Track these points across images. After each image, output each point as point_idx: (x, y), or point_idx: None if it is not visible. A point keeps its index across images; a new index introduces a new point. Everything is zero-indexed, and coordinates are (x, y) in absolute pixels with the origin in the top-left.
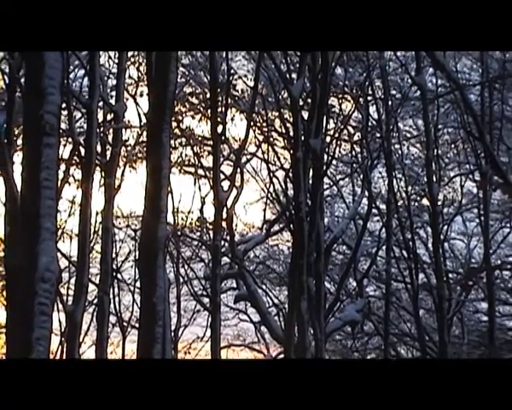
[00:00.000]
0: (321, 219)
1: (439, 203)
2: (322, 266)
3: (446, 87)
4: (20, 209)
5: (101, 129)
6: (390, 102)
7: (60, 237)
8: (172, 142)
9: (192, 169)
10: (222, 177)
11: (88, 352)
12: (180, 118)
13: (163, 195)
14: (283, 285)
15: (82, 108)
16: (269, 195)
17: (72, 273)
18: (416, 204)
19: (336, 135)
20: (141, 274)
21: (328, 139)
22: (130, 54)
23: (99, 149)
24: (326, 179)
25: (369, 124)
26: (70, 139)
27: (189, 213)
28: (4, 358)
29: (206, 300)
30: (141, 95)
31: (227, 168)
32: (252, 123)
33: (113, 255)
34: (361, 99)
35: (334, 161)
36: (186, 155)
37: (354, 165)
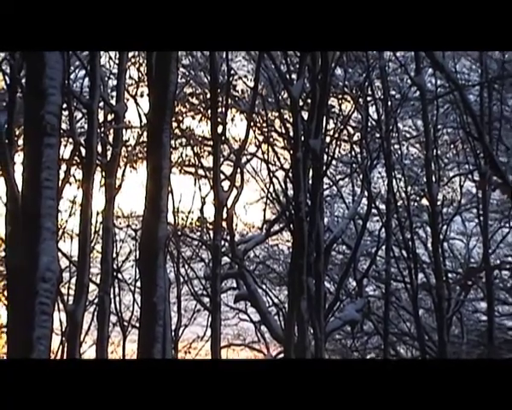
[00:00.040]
0: (321, 219)
1: (439, 203)
2: (322, 266)
3: (445, 87)
4: (21, 209)
5: (102, 129)
6: (389, 103)
7: (60, 236)
8: (173, 142)
9: (192, 169)
10: (222, 177)
11: (89, 351)
12: (180, 118)
13: (163, 195)
14: (283, 285)
15: (83, 109)
16: (269, 195)
17: (72, 273)
18: (416, 204)
19: (336, 135)
20: (141, 274)
21: (327, 139)
22: (130, 54)
23: (100, 149)
24: (326, 179)
25: (369, 124)
26: (71, 139)
27: (189, 213)
28: (5, 357)
29: (206, 299)
30: (141, 95)
31: (227, 168)
32: (252, 123)
33: (114, 255)
34: (361, 99)
35: (333, 162)
36: (186, 156)
37: (354, 165)
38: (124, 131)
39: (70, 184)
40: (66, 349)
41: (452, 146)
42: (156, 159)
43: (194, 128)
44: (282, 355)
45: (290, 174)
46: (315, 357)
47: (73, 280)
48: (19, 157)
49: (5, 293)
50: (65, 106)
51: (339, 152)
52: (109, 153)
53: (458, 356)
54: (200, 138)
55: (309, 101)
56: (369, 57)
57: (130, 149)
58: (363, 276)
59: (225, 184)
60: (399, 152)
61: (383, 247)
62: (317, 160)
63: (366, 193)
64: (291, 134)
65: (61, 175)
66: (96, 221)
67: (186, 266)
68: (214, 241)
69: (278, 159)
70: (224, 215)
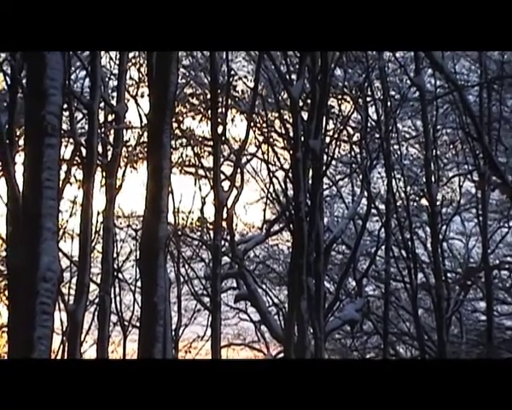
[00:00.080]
0: (320, 219)
1: (438, 203)
2: (322, 266)
3: (445, 88)
4: (22, 209)
5: (103, 129)
6: (389, 103)
7: (61, 236)
8: (173, 142)
9: (192, 169)
10: (222, 177)
11: (89, 351)
12: (181, 119)
13: (164, 195)
14: (283, 285)
15: (83, 109)
16: (269, 195)
17: (73, 273)
18: (415, 204)
19: (336, 135)
20: (142, 274)
21: (327, 140)
22: (131, 55)
23: (100, 149)
24: (325, 180)
25: (369, 124)
26: (71, 140)
27: (189, 213)
28: (6, 357)
29: (206, 299)
30: (142, 96)
31: (227, 168)
32: (252, 124)
33: (114, 255)
34: (360, 100)
35: (333, 162)
36: (187, 156)
37: (353, 165)
38: (124, 131)
39: (71, 184)
40: (66, 349)
41: (452, 146)
42: (156, 159)
43: (194, 128)
44: (281, 355)
45: (290, 174)
46: (315, 356)
47: (74, 280)
48: (20, 157)
49: (6, 293)
50: (65, 106)
51: (338, 152)
52: (110, 153)
53: (457, 356)
54: (200, 139)
55: (309, 101)
56: (369, 58)
57: (130, 149)
58: (363, 276)
59: (225, 185)
60: (399, 152)
61: (383, 247)
62: (316, 160)
63: (366, 193)
64: (291, 134)
65: (62, 175)
66: (97, 221)
67: (186, 266)
68: (214, 241)
69: (278, 159)
70: (224, 215)
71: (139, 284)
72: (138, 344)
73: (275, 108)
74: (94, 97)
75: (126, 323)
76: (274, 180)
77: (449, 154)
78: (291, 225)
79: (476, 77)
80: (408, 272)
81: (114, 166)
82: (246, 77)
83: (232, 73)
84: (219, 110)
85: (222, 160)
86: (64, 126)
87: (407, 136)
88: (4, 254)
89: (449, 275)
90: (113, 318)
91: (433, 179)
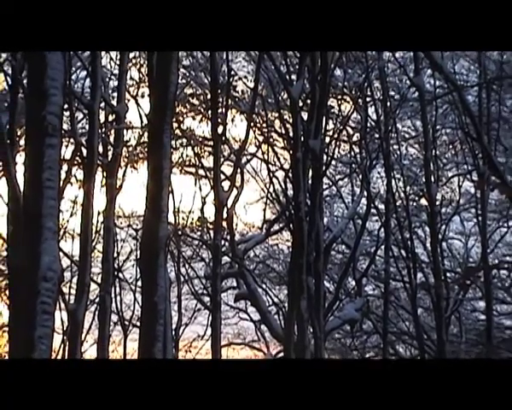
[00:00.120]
0: (320, 218)
1: (438, 203)
2: (322, 266)
3: (444, 88)
4: (23, 209)
5: (103, 130)
6: (389, 103)
7: (62, 236)
8: (173, 142)
9: (193, 169)
10: (222, 177)
11: (90, 350)
12: (181, 119)
13: (164, 195)
14: (283, 284)
15: (84, 109)
16: (269, 195)
17: (74, 273)
18: (415, 204)
19: (335, 136)
20: (142, 273)
21: (327, 140)
22: (131, 55)
23: (101, 149)
24: (325, 179)
25: (368, 125)
26: (72, 140)
27: (189, 212)
28: (7, 356)
29: (206, 299)
30: (142, 96)
31: (227, 168)
32: (252, 124)
33: (115, 255)
34: (360, 100)
35: (333, 162)
36: (187, 156)
37: (353, 165)
38: (125, 131)
39: (71, 184)
40: (67, 348)
41: (451, 146)
42: (157, 159)
43: (194, 128)
44: (281, 354)
45: (290, 174)
46: (314, 356)
47: (75, 280)
48: (20, 157)
49: (7, 292)
50: (66, 106)
51: (338, 152)
52: (110, 153)
53: (457, 355)
54: (200, 139)
55: (308, 101)
56: (369, 58)
57: (130, 149)
58: (363, 275)
59: (225, 184)
60: (398, 152)
61: (382, 246)
62: (316, 160)
63: (365, 193)
64: (291, 134)
65: (63, 175)
66: (97, 221)
67: (186, 266)
68: (214, 240)
69: (278, 159)
70: (225, 215)
71: (139, 283)
72: (139, 344)
73: (275, 108)
74: (94, 97)
75: (127, 322)
76: (274, 180)
77: (448, 154)
78: (291, 225)
79: (475, 77)
80: (407, 272)
81: (115, 166)
82: (246, 77)
83: (232, 73)
84: (219, 110)
85: (222, 160)
86: (65, 126)
87: (407, 136)
88: (5, 253)
89: (448, 275)
90: (114, 317)
91: (432, 179)
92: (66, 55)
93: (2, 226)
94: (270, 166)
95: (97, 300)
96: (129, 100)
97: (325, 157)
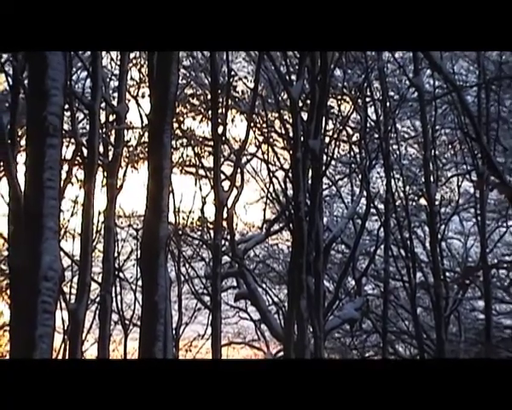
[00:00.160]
0: (320, 218)
1: (437, 203)
2: (322, 265)
3: (443, 89)
4: (24, 209)
5: (104, 130)
6: (388, 104)
7: (62, 236)
8: (173, 142)
9: (193, 169)
10: (222, 177)
11: (90, 350)
12: (181, 119)
13: (164, 195)
14: (283, 284)
15: (84, 110)
16: (269, 195)
17: (74, 272)
18: (414, 204)
19: (335, 136)
20: (142, 273)
21: (327, 140)
22: (132, 56)
23: (101, 149)
24: (325, 179)
25: (368, 125)
26: (73, 140)
27: (190, 212)
28: (8, 355)
29: (206, 298)
30: (142, 96)
31: (227, 168)
32: (252, 124)
33: (115, 254)
34: (359, 100)
35: (332, 162)
36: (187, 156)
37: (353, 165)
38: (125, 131)
39: (72, 184)
40: (68, 348)
41: (450, 146)
42: (157, 159)
43: (194, 129)
44: (281, 353)
45: (290, 174)
46: (314, 355)
47: (75, 279)
48: (21, 157)
49: (8, 292)
50: (67, 107)
51: (338, 152)
52: (111, 153)
53: (456, 354)
54: (200, 139)
55: (308, 102)
56: (368, 58)
57: (131, 149)
58: (362, 275)
59: (226, 184)
60: (398, 152)
61: (382, 246)
62: (316, 160)
63: (365, 193)
64: (291, 134)
65: (63, 175)
66: (98, 221)
67: (187, 265)
68: (215, 240)
69: (278, 159)
70: (225, 215)
71: (140, 283)
72: (139, 343)
73: (275, 108)
74: (95, 98)
75: (127, 322)
76: (274, 180)
77: (447, 154)
78: (291, 225)
79: (475, 77)
80: (407, 271)
81: (115, 166)
82: (246, 77)
83: (232, 73)
84: (219, 110)
85: (222, 160)
86: (65, 127)
87: (406, 136)
88: (6, 253)
89: (447, 274)
90: (114, 317)
91: (431, 179)
92: (67, 55)
93: (3, 226)
94: (270, 166)
95: (98, 299)
96: (129, 100)
97: (325, 157)
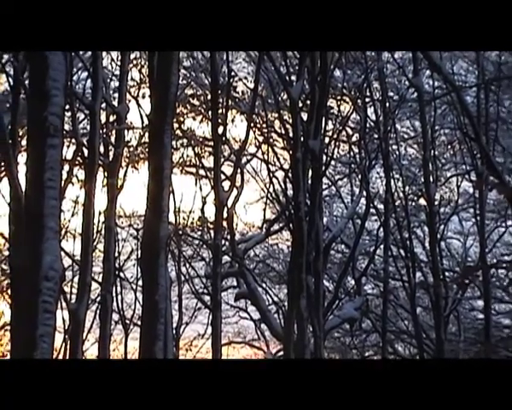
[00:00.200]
0: (320, 218)
1: (436, 203)
2: (321, 265)
3: (443, 89)
4: (25, 209)
5: (104, 130)
6: (388, 104)
7: (63, 236)
8: (174, 143)
9: (193, 169)
10: (222, 177)
11: (91, 349)
12: (181, 119)
13: (165, 195)
14: (283, 283)
15: (85, 110)
16: (269, 195)
17: (75, 272)
18: (413, 204)
19: (335, 136)
20: (143, 273)
21: (326, 140)
22: (132, 56)
23: (102, 149)
24: (325, 180)
25: (367, 125)
26: (73, 140)
27: (190, 212)
28: (9, 355)
29: (207, 298)
30: (143, 96)
31: (227, 169)
32: (252, 124)
33: (116, 254)
34: (359, 101)
35: (332, 162)
36: (187, 156)
37: (352, 165)
38: (126, 131)
39: (73, 184)
40: (68, 347)
41: (449, 147)
42: (158, 159)
43: (195, 129)
44: (281, 353)
45: (290, 174)
46: (314, 355)
47: (76, 279)
48: (22, 158)
49: (9, 292)
50: (67, 107)
51: (338, 152)
52: (111, 153)
53: (455, 354)
54: (200, 139)
55: (308, 102)
56: (368, 59)
57: (131, 149)
58: (362, 274)
59: (226, 184)
60: (397, 153)
61: (381, 246)
62: (316, 160)
63: (364, 193)
64: (290, 135)
65: (64, 175)
66: (99, 221)
67: (187, 265)
68: (215, 240)
69: (278, 159)
70: (225, 215)
71: (140, 282)
72: (140, 342)
73: (275, 108)
74: (96, 98)
75: (128, 321)
76: (274, 180)
77: (447, 154)
78: (291, 225)
79: (474, 78)
80: (406, 271)
81: (116, 166)
82: (246, 78)
83: (232, 74)
84: (220, 111)
85: (222, 160)
86: (66, 127)
87: (405, 136)
88: (7, 253)
89: (447, 274)
90: (115, 316)
91: (431, 179)
92: (68, 56)
93: (4, 226)
94: (269, 166)
95: (98, 299)
96: (130, 100)
97: (325, 157)
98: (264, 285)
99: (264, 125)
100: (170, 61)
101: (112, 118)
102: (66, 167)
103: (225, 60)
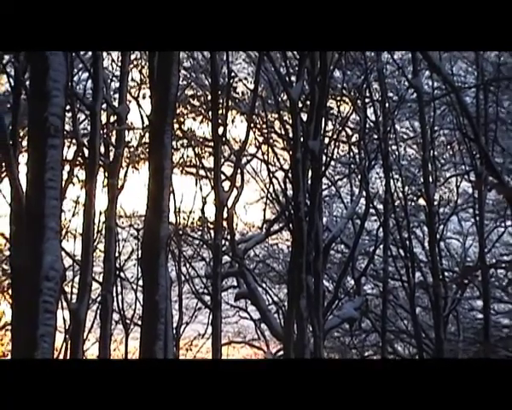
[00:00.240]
0: (319, 218)
1: (436, 203)
2: (321, 265)
3: (442, 89)
4: (25, 209)
5: (105, 130)
6: (387, 105)
7: (64, 236)
8: (174, 143)
9: (193, 170)
10: (223, 177)
11: (92, 349)
12: (182, 120)
13: (165, 195)
14: (283, 283)
15: (86, 110)
16: (268, 195)
17: (76, 272)
18: (413, 204)
19: (334, 136)
20: (143, 273)
21: (326, 140)
22: (132, 57)
23: (102, 150)
24: (324, 180)
25: (367, 125)
26: (74, 140)
27: (190, 212)
28: (10, 355)
29: (207, 298)
30: (143, 97)
31: (228, 169)
32: (252, 125)
33: (116, 254)
34: (359, 101)
35: (332, 162)
36: (187, 156)
37: (352, 166)
38: (126, 132)
39: (73, 184)
40: (69, 347)
41: (449, 147)
42: (158, 160)
43: (195, 129)
44: (281, 353)
45: (289, 175)
46: (314, 354)
47: (77, 279)
48: (23, 158)
49: (10, 292)
50: (68, 108)
51: (337, 153)
52: (112, 154)
53: (455, 354)
54: (201, 139)
55: (308, 103)
56: (367, 60)
57: (132, 149)
58: (362, 274)
59: (226, 185)
60: (397, 153)
61: (381, 246)
62: (315, 160)
63: (364, 193)
64: (290, 135)
65: (65, 176)
66: (99, 221)
67: (187, 265)
68: (215, 240)
69: (278, 160)
70: (225, 215)
71: (141, 282)
72: (140, 342)
73: (274, 109)
74: (96, 99)
75: (128, 321)
76: (274, 180)
77: (446, 154)
78: (290, 225)
79: (473, 78)
80: (406, 271)
81: (116, 166)
82: (246, 78)
83: (232, 74)
84: (220, 111)
85: (222, 160)
86: (67, 127)
87: (405, 137)
88: (8, 253)
89: (446, 274)
90: (115, 316)
91: (430, 180)
92: (68, 56)
93: (4, 226)
94: (269, 166)
95: (99, 299)
96: (130, 101)
97: (324, 158)
98: (264, 285)
99: (264, 126)
100: (170, 61)
101: (112, 118)
102: (67, 168)
103: (225, 60)
